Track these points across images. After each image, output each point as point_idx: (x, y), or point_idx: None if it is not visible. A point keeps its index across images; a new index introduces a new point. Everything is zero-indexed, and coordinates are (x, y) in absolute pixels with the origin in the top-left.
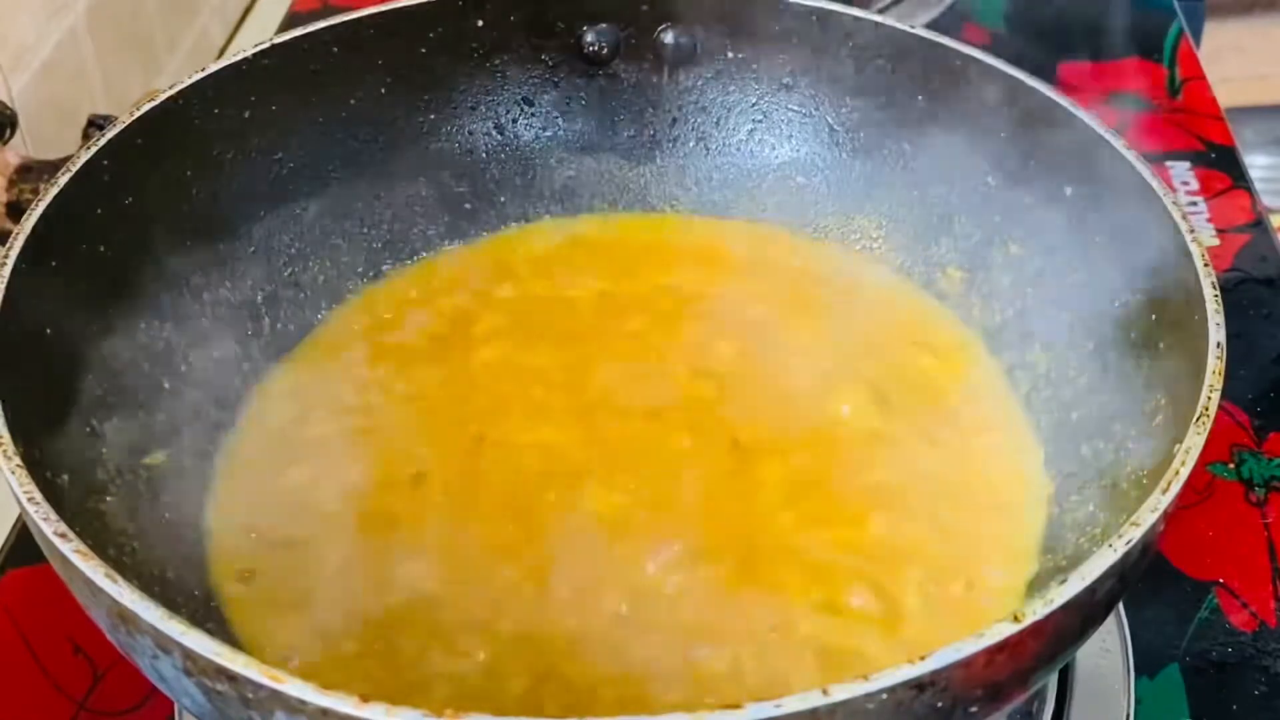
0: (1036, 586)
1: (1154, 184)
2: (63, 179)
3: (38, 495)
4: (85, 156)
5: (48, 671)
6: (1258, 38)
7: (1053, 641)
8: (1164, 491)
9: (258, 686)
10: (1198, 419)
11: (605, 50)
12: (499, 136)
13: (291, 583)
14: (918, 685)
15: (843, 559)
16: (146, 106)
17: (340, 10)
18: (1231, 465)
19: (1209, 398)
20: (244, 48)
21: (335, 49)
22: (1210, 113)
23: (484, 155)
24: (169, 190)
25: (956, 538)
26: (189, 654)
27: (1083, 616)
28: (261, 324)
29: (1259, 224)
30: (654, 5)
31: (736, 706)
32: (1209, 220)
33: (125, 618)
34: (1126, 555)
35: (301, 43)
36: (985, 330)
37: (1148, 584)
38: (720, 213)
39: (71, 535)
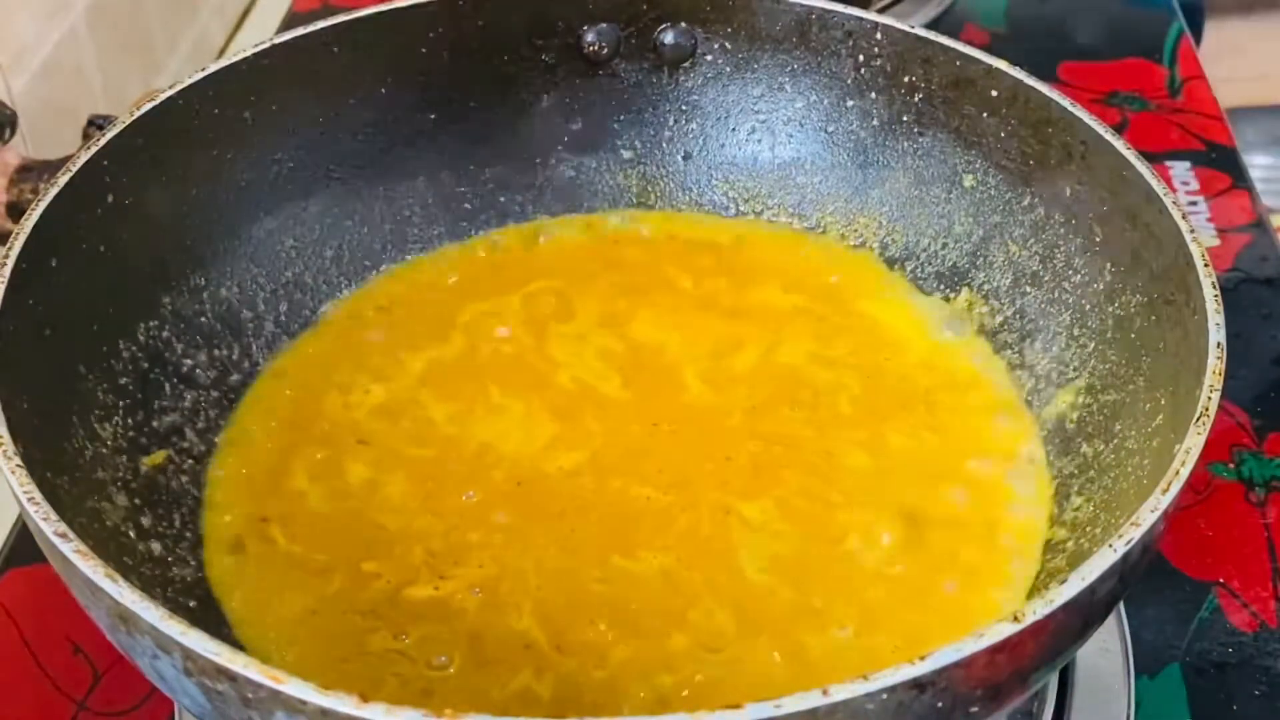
0: (1037, 587)
1: (1154, 184)
2: (63, 179)
3: (38, 495)
4: (85, 156)
5: (48, 671)
6: (1258, 38)
7: (1053, 641)
8: (1164, 492)
9: (258, 686)
10: (1198, 419)
11: (605, 50)
12: (499, 136)
13: (289, 584)
14: (918, 685)
15: (838, 563)
16: (146, 106)
17: (340, 10)
18: (1232, 465)
19: (1209, 398)
20: (244, 48)
21: (335, 49)
22: (1210, 113)
23: (484, 155)
24: (169, 190)
25: (956, 537)
26: (189, 654)
27: (1083, 616)
28: (262, 323)
29: (1259, 224)
30: (654, 5)
31: (736, 707)
32: (1209, 220)
33: (125, 618)
34: (1126, 555)
35: (301, 43)
36: (985, 330)
37: (1148, 584)
38: (720, 213)
39: (71, 535)
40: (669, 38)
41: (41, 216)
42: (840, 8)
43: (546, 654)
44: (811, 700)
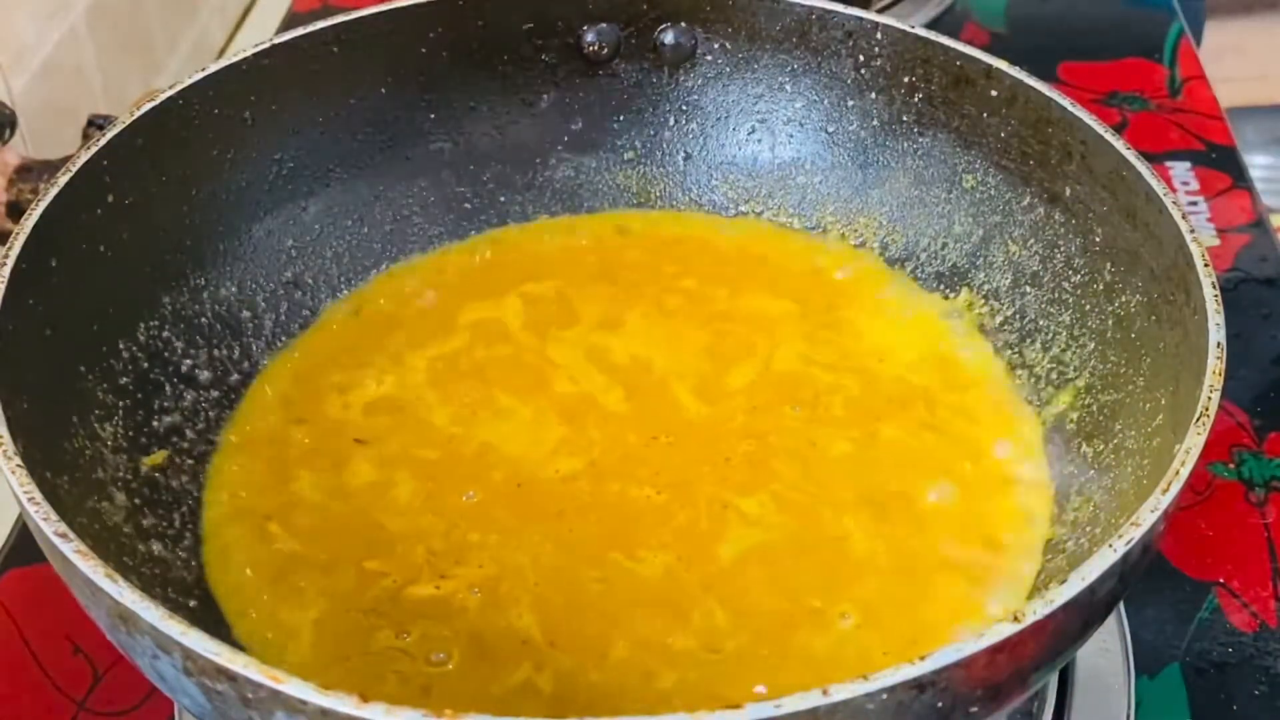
0: (1037, 586)
1: (1154, 184)
2: (63, 179)
3: (38, 495)
4: (85, 156)
5: (48, 671)
6: (1258, 38)
7: (1053, 641)
8: (1164, 492)
9: (258, 686)
10: (1198, 419)
11: (605, 50)
12: (499, 136)
13: (290, 583)
14: (918, 685)
15: (839, 561)
16: (146, 106)
17: (340, 10)
18: (1231, 465)
19: (1209, 398)
20: (244, 48)
21: (335, 49)
22: (1210, 113)
23: (484, 155)
24: (169, 190)
25: (956, 536)
26: (189, 654)
27: (1083, 616)
28: (262, 323)
29: (1259, 224)
30: (654, 5)
31: (736, 707)
32: (1209, 220)
33: (125, 618)
34: (1126, 555)
35: (301, 43)
36: (986, 330)
37: (1148, 584)
38: (720, 212)
39: (71, 535)
40: (669, 38)
41: (41, 216)
42: (840, 8)
43: (545, 652)
44: (811, 700)
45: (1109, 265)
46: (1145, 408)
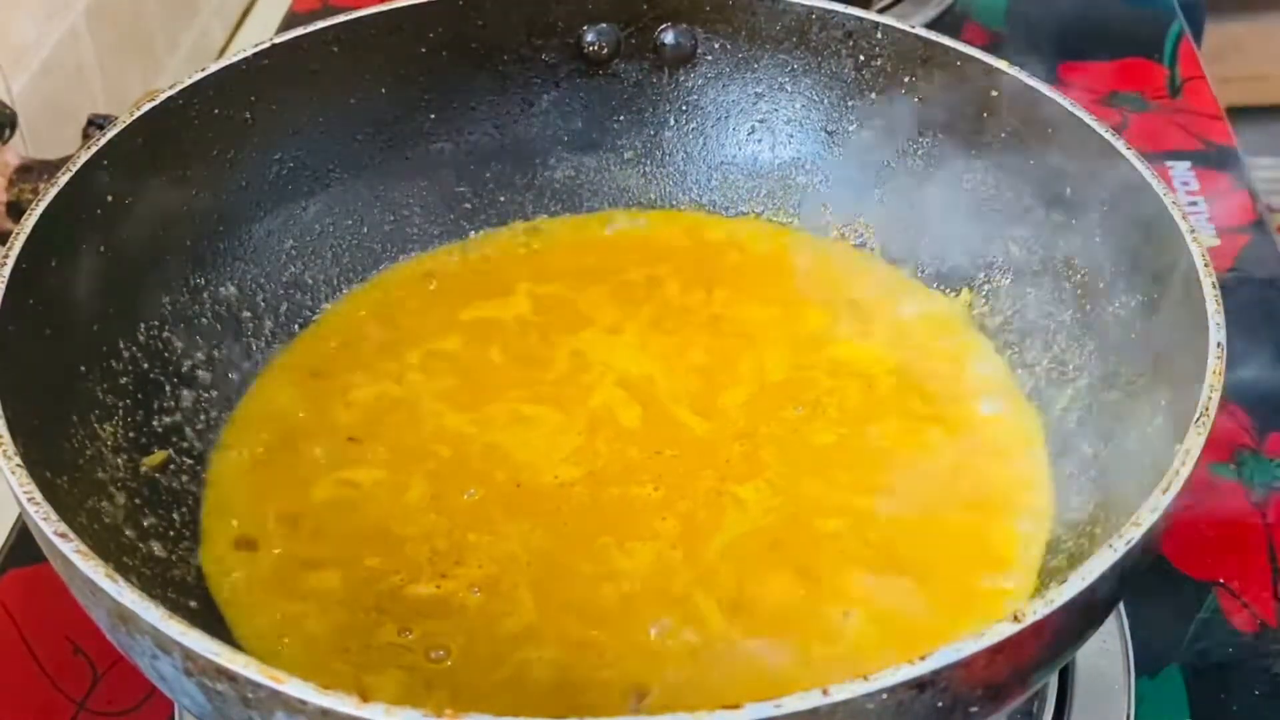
0: (1037, 586)
1: (1154, 184)
2: (63, 179)
3: (38, 495)
4: (85, 156)
5: (48, 671)
6: (1258, 38)
7: (1053, 641)
8: (1164, 492)
9: (258, 686)
10: (1198, 419)
11: (605, 50)
12: (499, 136)
13: (290, 583)
14: (918, 685)
15: (837, 556)
16: (146, 106)
17: (340, 10)
18: (1232, 465)
19: (1209, 398)
20: (244, 48)
21: (335, 49)
22: (1210, 113)
23: (484, 155)
24: (169, 190)
25: (956, 538)
26: (189, 654)
27: (1083, 616)
28: (262, 323)
29: (1259, 224)
30: (654, 5)
31: (736, 707)
32: (1209, 220)
33: (125, 618)
34: (1127, 555)
35: (301, 43)
36: (986, 330)
37: (1148, 584)
38: (720, 212)
39: (71, 535)
40: (669, 38)
41: (41, 216)
42: (840, 8)
43: (542, 647)
44: (811, 700)
45: (1109, 265)
46: (1145, 408)
